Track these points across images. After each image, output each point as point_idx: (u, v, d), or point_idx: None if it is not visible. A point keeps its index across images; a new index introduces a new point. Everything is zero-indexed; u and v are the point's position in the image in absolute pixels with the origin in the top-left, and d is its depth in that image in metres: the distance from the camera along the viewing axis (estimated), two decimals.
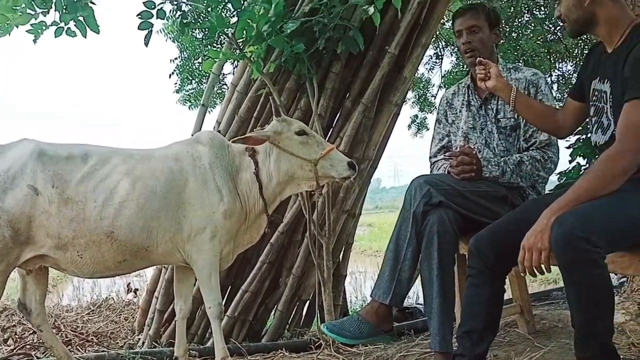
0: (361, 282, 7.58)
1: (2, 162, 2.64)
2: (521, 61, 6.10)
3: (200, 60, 5.83)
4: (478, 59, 2.42)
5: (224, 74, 5.10)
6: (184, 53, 5.86)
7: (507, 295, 2.44)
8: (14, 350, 3.61)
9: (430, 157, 2.88)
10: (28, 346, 3.68)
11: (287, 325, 3.84)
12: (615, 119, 1.89)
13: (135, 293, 5.31)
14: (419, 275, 2.35)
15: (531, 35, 6.43)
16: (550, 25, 6.53)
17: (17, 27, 3.38)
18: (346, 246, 3.98)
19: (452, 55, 7.30)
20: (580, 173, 4.40)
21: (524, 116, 2.41)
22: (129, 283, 5.78)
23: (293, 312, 3.86)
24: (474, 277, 2.06)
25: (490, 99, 2.67)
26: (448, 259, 2.25)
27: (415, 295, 5.42)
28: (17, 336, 3.93)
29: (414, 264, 2.30)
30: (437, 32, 6.60)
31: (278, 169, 2.75)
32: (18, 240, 2.59)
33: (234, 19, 3.51)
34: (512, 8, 6.34)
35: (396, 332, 3.16)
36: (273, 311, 3.84)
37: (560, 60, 6.96)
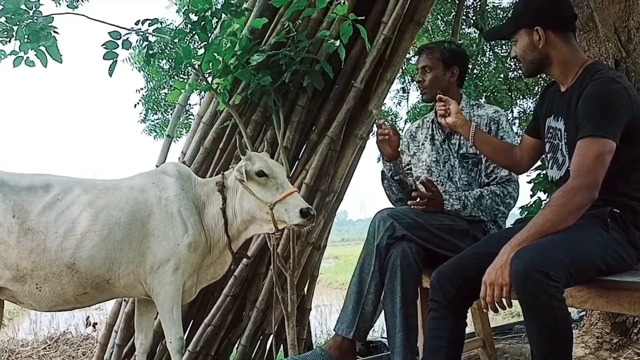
0: (327, 315, 7.52)
1: None
2: (483, 97, 6.28)
3: (166, 90, 5.82)
4: (438, 95, 2.49)
5: (190, 105, 5.08)
6: (150, 83, 5.85)
7: (470, 328, 2.46)
8: None
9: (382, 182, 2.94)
10: None
11: None
12: (570, 155, 1.95)
13: (94, 327, 5.17)
14: (383, 309, 2.35)
15: (493, 72, 6.63)
16: (512, 63, 6.74)
17: None
18: (311, 279, 3.95)
19: (418, 90, 7.46)
20: (541, 207, 4.51)
21: (483, 152, 2.47)
22: (88, 317, 5.63)
23: (256, 347, 3.80)
24: (436, 310, 2.07)
25: (453, 134, 2.72)
26: (411, 292, 2.26)
27: (380, 328, 5.40)
28: None
29: (378, 297, 2.30)
30: (404, 67, 6.75)
31: (241, 207, 2.74)
32: None
33: (201, 50, 3.52)
34: (475, 45, 6.55)
35: None
36: (236, 345, 3.76)
37: (521, 97, 7.19)
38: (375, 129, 2.87)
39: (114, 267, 2.64)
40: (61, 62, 3.37)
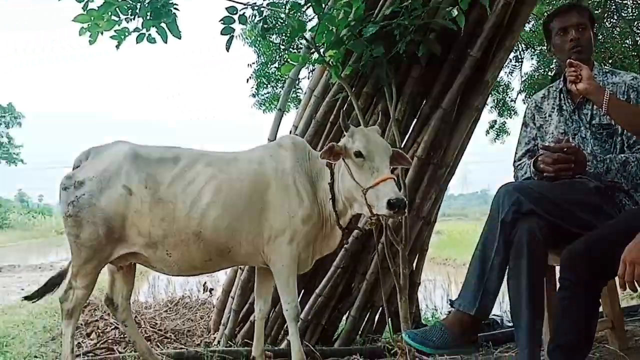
0: (431, 290, 7.42)
1: (99, 163, 2.77)
2: (609, 65, 5.83)
3: (276, 65, 5.91)
4: (568, 60, 2.32)
5: (299, 79, 5.14)
6: (261, 57, 5.95)
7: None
8: (97, 345, 3.76)
9: (514, 162, 2.78)
10: (110, 341, 3.82)
11: (360, 331, 3.81)
12: None
13: (210, 292, 5.43)
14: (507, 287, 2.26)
15: (619, 37, 6.12)
16: None
17: (102, 33, 3.50)
18: (420, 253, 3.92)
19: (532, 58, 7.07)
20: None
21: (618, 121, 2.29)
22: (205, 282, 5.92)
23: (365, 318, 3.82)
24: (567, 289, 1.97)
25: (584, 104, 2.54)
26: (538, 270, 2.15)
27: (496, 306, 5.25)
28: (99, 331, 4.09)
29: (502, 274, 2.21)
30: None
31: (342, 185, 2.70)
32: (112, 238, 2.70)
33: (312, 23, 3.52)
34: (600, 9, 6.06)
35: (479, 344, 3.07)
36: (345, 316, 3.81)
37: None
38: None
39: (236, 237, 2.74)
40: (180, 38, 3.49)
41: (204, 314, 4.63)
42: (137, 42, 3.49)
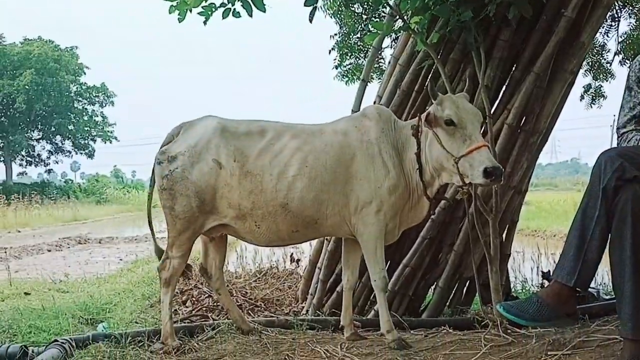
0: (519, 262, 7.22)
1: (189, 138, 2.87)
2: None
3: (358, 35, 5.84)
4: None
5: (382, 48, 5.05)
6: (343, 29, 5.90)
7: None
8: (192, 312, 3.95)
9: (618, 128, 2.61)
10: (204, 308, 3.99)
11: (448, 302, 3.77)
12: None
13: (297, 263, 5.55)
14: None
15: None
16: None
17: (191, 11, 3.57)
18: (511, 224, 3.81)
19: (630, 17, 6.57)
20: None
21: None
22: (292, 253, 6.05)
23: (454, 290, 3.78)
24: None
25: None
26: None
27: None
28: (194, 299, 4.29)
29: (603, 244, 2.11)
30: None
31: (430, 154, 2.67)
32: (203, 210, 2.81)
33: None
34: None
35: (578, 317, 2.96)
36: (433, 287, 3.78)
37: None
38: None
39: (322, 208, 2.77)
40: (264, 11, 3.52)
41: (291, 284, 4.74)
42: (222, 18, 3.55)
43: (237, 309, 3.33)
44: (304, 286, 4.27)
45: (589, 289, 3.88)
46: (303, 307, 4.08)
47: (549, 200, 18.09)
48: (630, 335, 2.03)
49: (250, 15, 3.53)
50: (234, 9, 3.52)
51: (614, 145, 2.61)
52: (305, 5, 3.32)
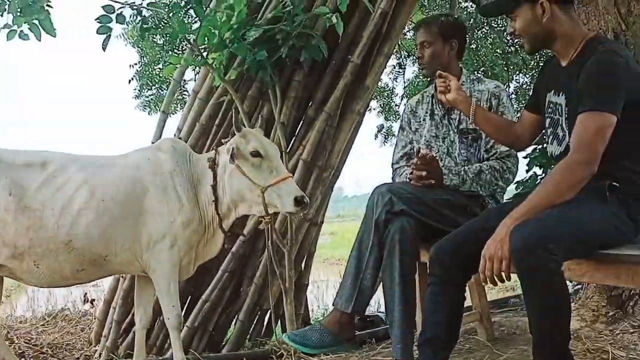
0: (323, 290, 7.54)
1: None
2: (480, 72, 6.24)
3: (160, 66, 5.76)
4: (438, 72, 2.45)
5: (184, 81, 5.04)
6: (144, 58, 5.78)
7: (467, 302, 2.47)
8: None
9: (392, 164, 2.91)
10: None
11: (249, 335, 3.79)
12: (570, 130, 1.94)
13: (92, 303, 5.19)
14: (381, 284, 2.36)
15: (490, 46, 6.59)
16: (509, 38, 6.70)
17: None
18: (308, 255, 3.96)
19: (414, 64, 7.41)
20: (537, 182, 4.50)
21: (483, 129, 2.44)
22: (86, 293, 5.64)
23: (254, 322, 3.82)
24: (435, 284, 2.08)
25: (453, 109, 2.70)
26: (409, 267, 2.27)
27: (376, 303, 5.43)
28: None
29: (376, 272, 2.31)
30: (400, 42, 6.69)
31: (230, 186, 2.68)
32: None
33: (196, 25, 3.47)
34: (472, 19, 6.49)
35: (358, 341, 3.16)
36: (234, 321, 3.78)
37: (517, 72, 7.14)
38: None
39: (111, 244, 2.63)
40: (54, 36, 3.33)
41: (84, 326, 4.41)
42: (7, 39, 3.30)
43: (14, 357, 3.00)
44: (98, 328, 4.00)
45: (378, 314, 4.19)
46: (96, 350, 3.81)
47: (353, 230, 19.12)
48: (400, 356, 2.24)
49: (39, 39, 3.33)
50: (21, 31, 3.29)
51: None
52: (98, 33, 3.19)
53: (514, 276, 1.79)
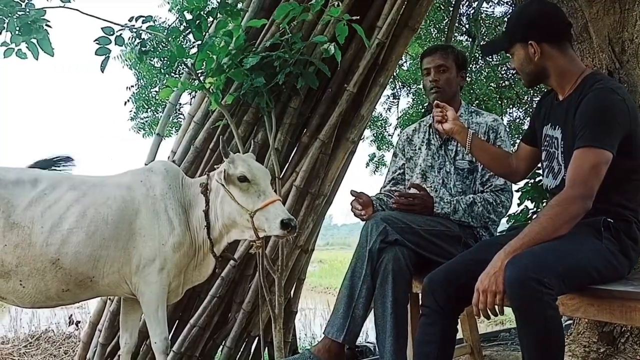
0: (311, 319, 7.49)
1: None
2: (474, 105, 6.31)
3: (157, 89, 5.79)
4: (435, 101, 2.47)
5: (180, 104, 5.06)
6: (141, 81, 5.81)
7: (458, 335, 2.45)
8: None
9: (381, 189, 2.92)
10: None
11: None
12: (566, 164, 1.95)
13: (77, 325, 5.09)
14: (372, 313, 2.34)
15: (485, 80, 6.68)
16: (503, 72, 6.81)
17: None
18: (298, 282, 3.93)
19: (408, 95, 7.50)
20: (528, 216, 4.52)
21: (480, 160, 2.46)
22: (71, 315, 5.54)
23: (242, 348, 3.77)
24: (427, 316, 2.06)
25: (450, 140, 2.72)
26: (402, 297, 2.25)
27: (365, 333, 5.38)
28: None
29: (369, 301, 2.29)
30: (395, 73, 6.77)
31: (222, 211, 2.68)
32: None
33: (194, 49, 3.49)
34: (467, 53, 6.59)
35: None
36: (221, 347, 3.73)
37: (511, 106, 7.24)
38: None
39: (99, 265, 2.60)
40: (53, 56, 3.33)
41: (68, 348, 4.33)
42: (4, 57, 3.30)
43: None
44: (82, 351, 3.92)
45: (367, 344, 4.15)
46: None
47: (342, 259, 19.15)
48: None
49: (36, 58, 3.33)
50: (19, 49, 3.30)
51: None
52: (96, 54, 3.21)
53: (507, 310, 1.78)
